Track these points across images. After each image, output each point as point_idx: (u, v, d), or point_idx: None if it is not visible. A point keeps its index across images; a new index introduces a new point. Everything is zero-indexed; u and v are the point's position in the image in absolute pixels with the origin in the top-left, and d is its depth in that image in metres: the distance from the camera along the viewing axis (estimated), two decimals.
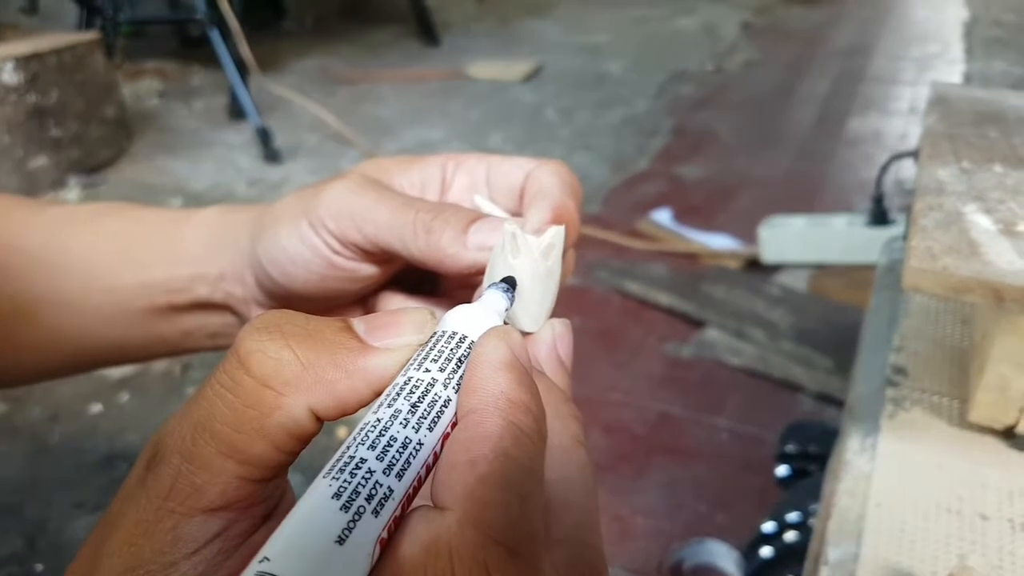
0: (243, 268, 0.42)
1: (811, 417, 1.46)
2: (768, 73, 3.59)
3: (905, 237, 0.68)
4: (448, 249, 0.34)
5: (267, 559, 0.20)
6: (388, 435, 0.23)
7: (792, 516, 0.99)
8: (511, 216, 0.39)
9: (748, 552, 1.04)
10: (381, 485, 0.22)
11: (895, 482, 0.49)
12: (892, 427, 0.54)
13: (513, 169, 0.39)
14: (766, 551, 1.00)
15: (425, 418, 0.24)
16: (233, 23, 2.75)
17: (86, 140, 2.51)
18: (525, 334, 0.32)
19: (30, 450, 1.43)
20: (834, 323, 1.68)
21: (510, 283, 0.31)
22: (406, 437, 0.23)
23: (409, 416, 0.24)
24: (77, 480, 1.36)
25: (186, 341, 0.46)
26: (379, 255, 0.37)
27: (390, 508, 0.22)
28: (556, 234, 0.32)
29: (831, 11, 4.65)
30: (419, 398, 0.24)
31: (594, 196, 2.37)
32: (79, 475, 1.37)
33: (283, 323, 0.24)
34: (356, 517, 0.21)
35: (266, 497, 0.24)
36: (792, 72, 3.56)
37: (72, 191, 2.40)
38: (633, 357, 1.66)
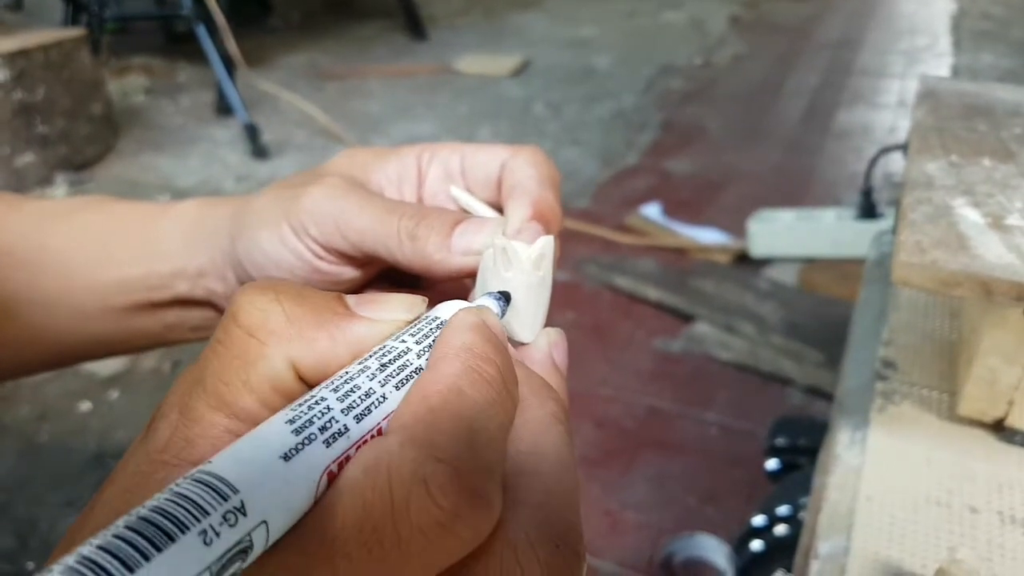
0: (224, 265, 0.41)
1: (801, 411, 1.46)
2: (756, 67, 3.59)
3: (894, 231, 0.68)
4: (434, 256, 0.34)
5: (210, 462, 0.20)
6: (352, 383, 0.23)
7: (782, 510, 0.99)
8: (489, 207, 0.39)
9: (738, 546, 1.04)
10: (337, 421, 0.22)
11: (885, 476, 0.49)
12: (881, 421, 0.54)
13: (488, 159, 0.39)
14: (756, 545, 1.00)
15: (393, 376, 0.24)
16: (219, 19, 2.74)
17: (73, 137, 2.50)
18: (521, 344, 0.32)
19: (20, 449, 1.42)
20: (823, 317, 1.68)
21: (504, 296, 0.31)
22: (370, 388, 0.23)
23: (377, 372, 0.24)
24: (67, 478, 1.35)
25: (168, 334, 0.45)
26: (363, 259, 0.37)
27: (342, 445, 0.22)
28: (546, 244, 0.32)
29: (819, 4, 4.66)
30: (390, 360, 0.25)
31: (583, 191, 2.37)
32: (69, 473, 1.36)
33: (278, 284, 0.25)
34: (306, 441, 0.21)
35: None
36: (780, 66, 3.57)
37: (59, 188, 2.39)
38: (623, 352, 1.66)
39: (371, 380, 0.24)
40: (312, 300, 0.25)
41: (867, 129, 2.80)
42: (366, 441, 0.23)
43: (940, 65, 3.44)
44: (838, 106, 3.02)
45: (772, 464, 1.19)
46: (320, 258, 0.37)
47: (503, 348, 0.25)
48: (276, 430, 0.21)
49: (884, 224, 1.75)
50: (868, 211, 1.86)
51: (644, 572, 1.18)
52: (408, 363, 0.25)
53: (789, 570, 0.96)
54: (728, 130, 2.87)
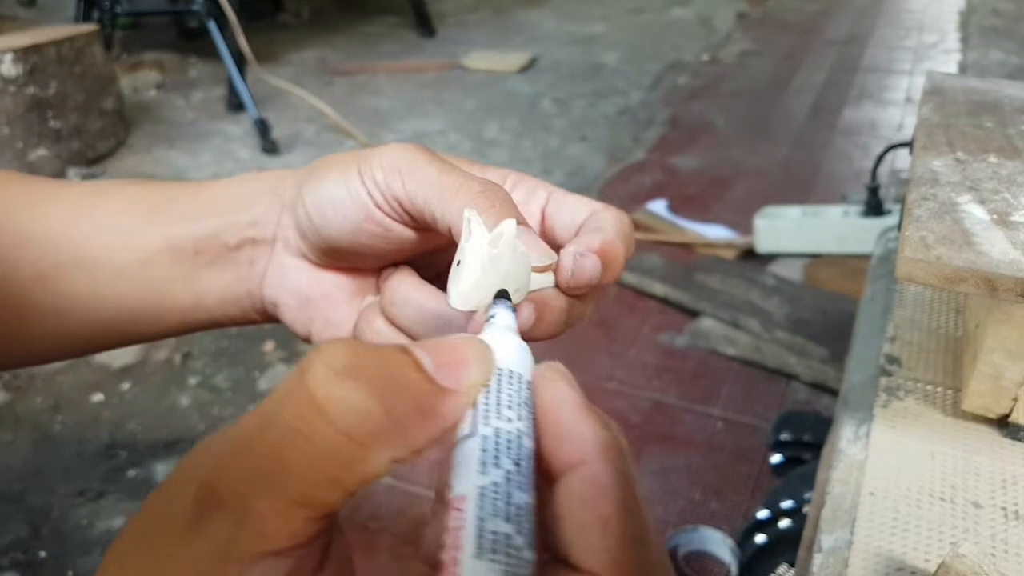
0: (279, 211, 0.42)
1: (805, 406, 1.47)
2: (763, 63, 3.59)
3: (899, 227, 0.69)
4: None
5: None
6: (514, 503, 0.23)
7: (786, 504, 1.00)
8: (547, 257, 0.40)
9: (742, 539, 1.05)
10: (530, 563, 0.22)
11: (888, 470, 0.50)
12: (885, 416, 0.54)
13: (579, 205, 0.39)
14: (760, 538, 1.01)
15: (527, 476, 0.24)
16: (231, 15, 2.75)
17: (85, 132, 2.51)
18: (455, 311, 0.33)
19: (33, 439, 1.43)
20: (828, 313, 1.69)
21: (504, 296, 0.32)
22: (526, 502, 0.23)
23: (520, 477, 0.23)
24: (79, 469, 1.37)
25: (195, 311, 0.45)
26: (415, 218, 0.38)
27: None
28: (507, 225, 0.33)
29: (827, 1, 4.64)
30: (518, 455, 0.24)
31: (590, 187, 2.37)
32: (81, 464, 1.38)
33: (359, 365, 0.23)
34: None
35: (328, 527, 0.23)
36: (787, 62, 3.56)
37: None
38: (628, 347, 1.67)
39: (523, 491, 0.23)
40: (401, 382, 0.23)
41: (874, 126, 2.80)
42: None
43: (948, 62, 3.44)
44: (845, 103, 3.02)
45: (776, 458, 1.19)
46: (377, 206, 0.38)
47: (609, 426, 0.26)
48: None
49: (890, 221, 1.75)
50: (874, 208, 1.86)
51: None
52: (523, 447, 0.24)
53: (792, 564, 0.97)
54: (735, 126, 2.87)
